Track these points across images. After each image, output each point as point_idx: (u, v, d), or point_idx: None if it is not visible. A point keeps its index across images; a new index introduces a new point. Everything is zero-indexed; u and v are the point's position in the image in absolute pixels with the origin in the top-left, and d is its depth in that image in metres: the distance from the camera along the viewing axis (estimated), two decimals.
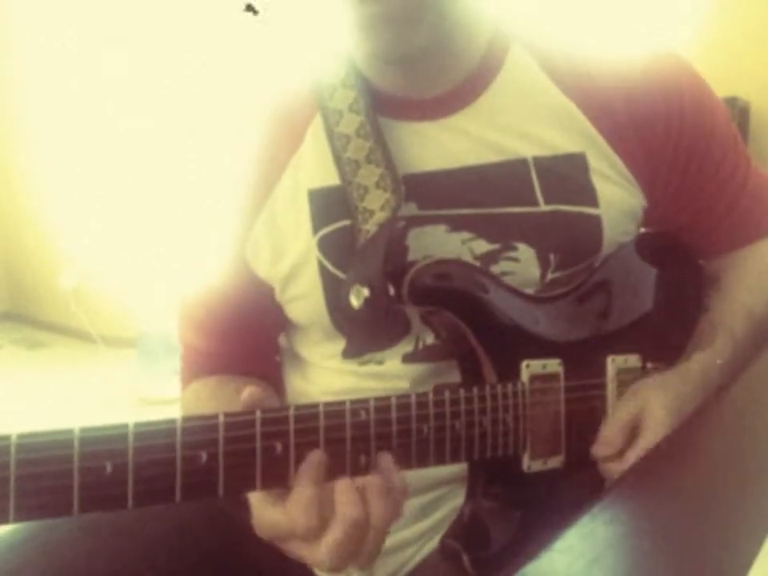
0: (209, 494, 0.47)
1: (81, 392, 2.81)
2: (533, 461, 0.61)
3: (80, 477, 0.43)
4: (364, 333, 0.68)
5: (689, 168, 0.70)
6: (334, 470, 0.50)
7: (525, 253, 0.66)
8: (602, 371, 0.65)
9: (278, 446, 0.48)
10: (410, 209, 0.65)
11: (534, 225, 0.66)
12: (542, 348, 0.63)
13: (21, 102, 3.60)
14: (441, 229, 0.66)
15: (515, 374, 0.61)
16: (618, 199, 0.68)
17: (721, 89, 0.79)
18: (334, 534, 0.47)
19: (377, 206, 0.63)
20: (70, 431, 0.43)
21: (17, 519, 0.42)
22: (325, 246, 0.67)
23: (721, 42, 2.23)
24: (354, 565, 0.51)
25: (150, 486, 0.45)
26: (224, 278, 0.71)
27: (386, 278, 0.59)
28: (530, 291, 0.65)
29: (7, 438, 0.42)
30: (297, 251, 0.68)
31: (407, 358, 0.68)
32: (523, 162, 0.66)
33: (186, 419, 0.46)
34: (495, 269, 0.65)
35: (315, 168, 0.68)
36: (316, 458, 0.49)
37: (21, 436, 0.42)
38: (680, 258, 0.75)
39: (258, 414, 0.48)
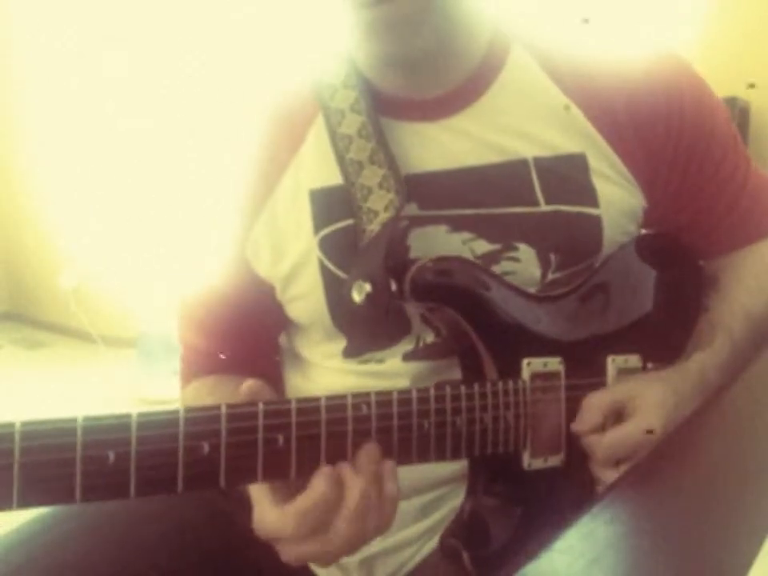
0: (210, 485, 0.47)
1: (81, 392, 2.81)
2: (533, 459, 0.61)
3: (83, 465, 0.43)
4: (365, 330, 0.69)
5: (689, 168, 0.70)
6: (334, 464, 0.51)
7: (525, 253, 0.66)
8: (602, 371, 0.65)
9: (280, 438, 0.49)
10: (411, 209, 0.65)
11: (534, 225, 0.66)
12: (543, 346, 0.63)
13: (21, 102, 3.60)
14: (442, 229, 0.66)
15: (516, 371, 0.61)
16: (618, 199, 0.68)
17: (721, 89, 0.79)
18: (348, 503, 0.49)
19: (380, 207, 0.63)
20: (74, 420, 0.44)
21: (20, 506, 0.42)
22: (326, 245, 0.67)
23: (721, 42, 2.24)
24: (372, 535, 0.52)
25: (152, 476, 0.45)
26: (224, 277, 0.71)
27: (388, 274, 0.59)
28: (531, 290, 0.65)
29: (11, 425, 0.42)
30: (298, 251, 0.68)
31: (408, 357, 0.68)
32: (524, 163, 0.66)
33: (188, 410, 0.47)
34: (496, 269, 0.65)
35: (317, 168, 0.68)
36: (327, 481, 0.50)
37: (25, 423, 0.42)
38: (680, 259, 0.75)
39: (261, 405, 0.48)
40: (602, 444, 0.59)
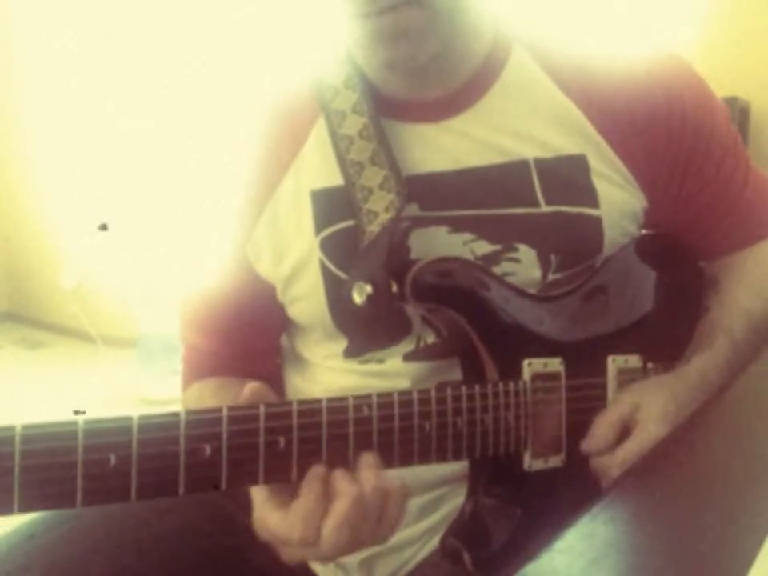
0: (212, 487, 0.47)
1: (81, 392, 2.81)
2: (534, 459, 0.61)
3: (84, 468, 0.43)
4: (365, 331, 0.69)
5: (689, 169, 0.70)
6: (336, 465, 0.51)
7: (526, 254, 0.66)
8: (602, 371, 0.65)
9: (281, 441, 0.49)
10: (412, 210, 0.65)
11: (534, 226, 0.66)
12: (543, 347, 0.63)
13: (21, 102, 3.60)
14: (442, 230, 0.66)
15: (517, 372, 0.61)
16: (618, 200, 0.68)
17: (721, 89, 0.79)
18: (335, 513, 0.48)
19: (381, 208, 0.63)
20: (75, 423, 0.44)
21: (21, 510, 0.42)
22: (327, 246, 0.67)
23: (721, 41, 2.24)
24: (363, 545, 0.52)
25: (153, 479, 0.45)
26: (226, 278, 0.71)
27: (388, 275, 0.59)
28: (531, 291, 0.65)
29: (12, 428, 0.42)
30: (299, 251, 0.68)
31: (408, 357, 0.68)
32: (524, 164, 0.66)
33: (189, 412, 0.47)
34: (496, 270, 0.65)
35: (318, 169, 0.68)
36: (320, 471, 0.49)
37: (25, 427, 0.42)
38: (680, 260, 0.75)
39: (262, 408, 0.48)
40: (614, 463, 0.58)
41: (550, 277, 0.67)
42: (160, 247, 2.84)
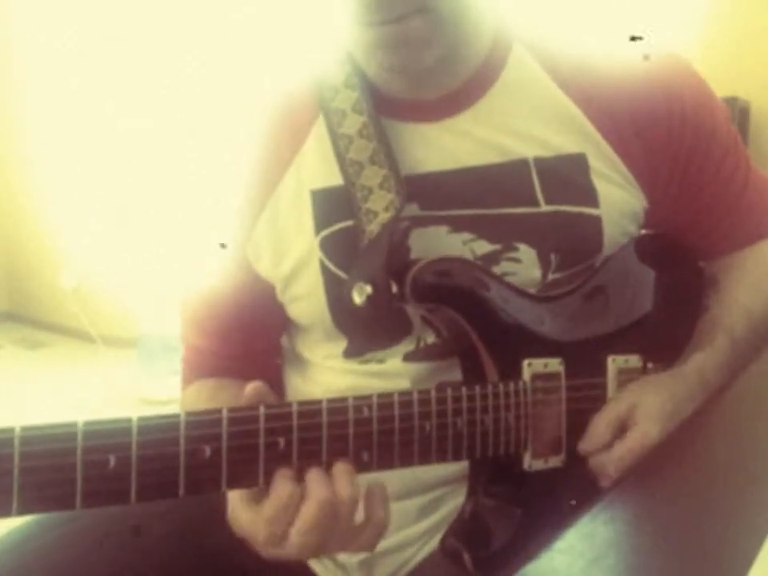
0: (212, 489, 0.47)
1: (81, 392, 2.81)
2: (534, 459, 0.61)
3: (83, 470, 0.43)
4: (365, 331, 0.69)
5: (689, 169, 0.70)
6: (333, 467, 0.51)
7: (526, 253, 0.66)
8: (602, 371, 0.65)
9: (281, 442, 0.49)
10: (412, 210, 0.65)
11: (534, 225, 0.66)
12: (543, 347, 0.63)
13: (21, 102, 3.60)
14: (442, 230, 0.66)
15: (516, 372, 0.61)
16: (618, 200, 0.68)
17: (721, 89, 0.79)
18: (304, 513, 0.49)
19: (381, 207, 0.63)
20: (74, 424, 0.43)
21: (20, 512, 0.42)
22: (327, 246, 0.67)
23: (721, 41, 2.24)
24: (329, 549, 0.52)
25: (153, 480, 0.45)
26: (226, 277, 0.71)
27: (388, 276, 0.59)
28: (531, 290, 0.65)
29: (11, 430, 0.42)
30: (299, 251, 0.68)
31: (408, 357, 0.68)
32: (524, 163, 0.66)
33: (189, 414, 0.47)
34: (496, 269, 0.65)
35: (318, 168, 0.68)
36: (287, 473, 0.49)
37: (24, 429, 0.42)
38: (680, 259, 0.75)
39: (262, 409, 0.48)
40: (611, 462, 0.58)
41: (550, 276, 0.67)
42: (160, 247, 2.84)
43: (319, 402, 0.51)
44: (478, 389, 0.58)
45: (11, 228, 3.88)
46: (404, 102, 0.68)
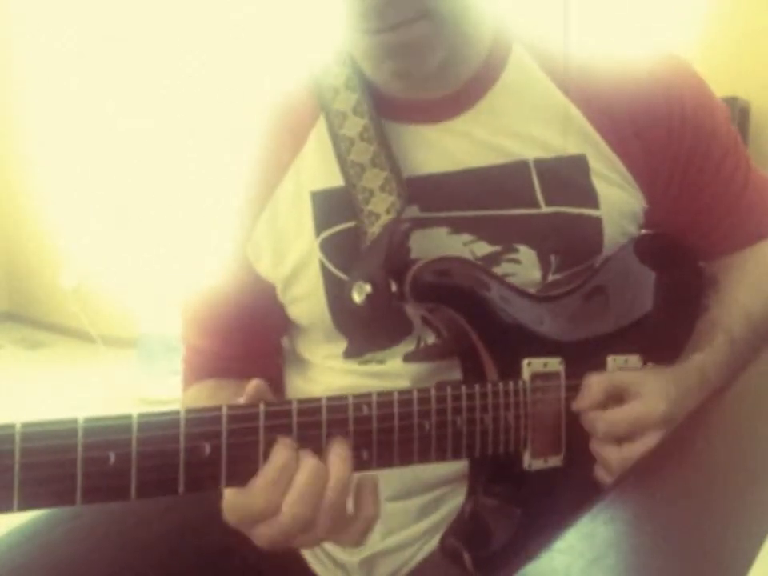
0: (212, 486, 0.48)
1: (81, 392, 2.81)
2: (534, 459, 0.61)
3: (83, 466, 0.43)
4: (365, 331, 0.69)
5: (689, 169, 0.70)
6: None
7: (526, 255, 0.66)
8: (602, 371, 0.65)
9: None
10: (413, 211, 0.65)
11: (534, 227, 0.66)
12: (543, 346, 0.63)
13: (21, 102, 3.60)
14: (442, 231, 0.66)
15: (516, 371, 0.61)
16: (618, 201, 0.68)
17: (721, 89, 0.79)
18: (297, 482, 0.48)
19: (382, 209, 0.63)
20: (75, 421, 0.44)
21: (21, 508, 0.42)
22: (327, 247, 0.67)
23: (721, 41, 2.24)
24: (318, 534, 0.51)
25: (153, 477, 0.45)
26: (226, 278, 0.71)
27: (388, 275, 0.59)
28: (531, 290, 0.65)
29: (12, 426, 0.42)
30: (299, 252, 0.68)
31: (408, 357, 0.68)
32: (524, 164, 0.66)
33: (189, 411, 0.47)
34: (497, 270, 0.65)
35: (318, 170, 0.68)
36: (287, 442, 0.49)
37: (25, 425, 0.42)
38: (680, 260, 0.75)
39: (262, 406, 0.49)
40: (604, 418, 0.59)
41: (550, 277, 0.67)
42: (160, 247, 2.84)
43: (319, 399, 0.51)
44: (477, 387, 0.58)
45: (11, 228, 3.88)
46: (404, 104, 0.68)
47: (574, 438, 0.62)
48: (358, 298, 0.60)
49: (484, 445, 0.58)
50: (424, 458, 0.55)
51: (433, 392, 0.55)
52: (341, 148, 0.66)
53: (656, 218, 0.72)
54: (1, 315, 4.03)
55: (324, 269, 0.67)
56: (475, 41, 0.67)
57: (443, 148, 0.67)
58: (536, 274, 0.66)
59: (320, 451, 0.50)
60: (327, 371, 0.73)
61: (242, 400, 0.50)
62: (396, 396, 0.53)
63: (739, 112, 2.16)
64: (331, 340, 0.71)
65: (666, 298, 0.70)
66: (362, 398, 0.52)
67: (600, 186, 0.67)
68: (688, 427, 0.55)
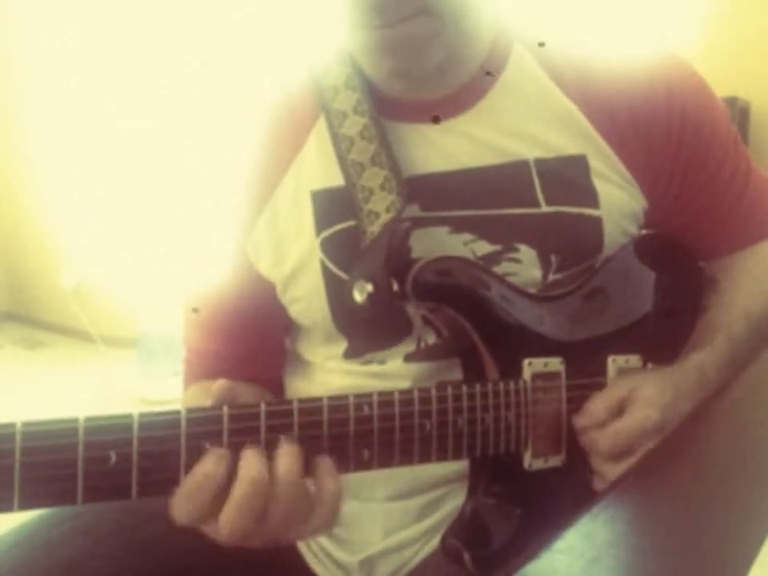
0: None
1: (81, 392, 2.81)
2: (534, 459, 0.61)
3: (84, 466, 0.43)
4: (366, 331, 0.69)
5: (689, 169, 0.70)
6: (336, 464, 0.51)
7: (526, 254, 0.66)
8: (602, 371, 0.66)
9: (282, 439, 0.49)
10: (413, 211, 0.65)
11: (535, 226, 0.66)
12: (543, 346, 0.63)
13: (21, 102, 3.60)
14: (443, 230, 0.66)
15: (517, 371, 0.61)
16: (618, 200, 0.68)
17: (721, 89, 0.79)
18: (233, 493, 0.47)
19: (382, 208, 0.63)
20: (75, 420, 0.44)
21: (21, 507, 0.42)
22: (328, 246, 0.67)
23: (721, 41, 2.24)
24: (260, 538, 0.50)
25: (153, 477, 0.45)
26: (227, 278, 0.71)
27: (389, 274, 0.59)
28: (532, 290, 0.65)
29: (12, 425, 0.42)
30: (299, 252, 0.68)
31: (409, 358, 0.68)
32: (524, 164, 0.66)
33: (190, 410, 0.47)
34: (497, 270, 0.65)
35: (318, 169, 0.68)
36: (221, 452, 0.48)
37: (26, 424, 0.42)
38: (680, 260, 0.75)
39: (263, 406, 0.49)
40: (604, 438, 0.59)
41: (551, 277, 0.67)
42: (160, 247, 2.84)
43: (320, 399, 0.51)
44: (478, 387, 0.58)
45: (11, 228, 3.88)
46: (405, 103, 0.68)
47: (575, 438, 0.62)
48: (359, 297, 0.60)
49: (485, 445, 0.58)
50: (425, 457, 0.55)
51: (433, 392, 0.55)
52: (341, 147, 0.66)
53: (656, 218, 0.72)
54: (1, 315, 4.03)
55: (324, 268, 0.67)
56: (475, 40, 0.67)
57: (443, 147, 0.67)
58: (536, 273, 0.66)
59: (320, 451, 0.50)
60: (328, 372, 0.72)
61: (209, 402, 0.49)
62: (397, 396, 0.53)
63: (739, 112, 2.16)
64: (332, 340, 0.71)
65: (666, 298, 0.70)
66: (363, 398, 0.52)
67: (600, 186, 0.67)
68: (688, 427, 0.55)
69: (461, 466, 0.65)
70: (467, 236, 0.66)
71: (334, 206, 0.67)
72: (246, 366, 0.74)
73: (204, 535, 0.70)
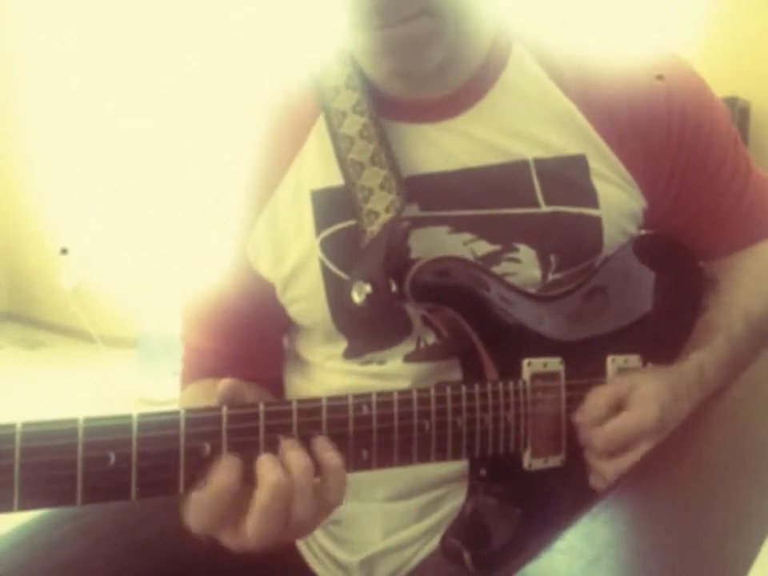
0: None
1: (81, 392, 2.81)
2: (534, 459, 0.61)
3: (84, 466, 0.43)
4: (365, 331, 0.69)
5: (689, 169, 0.70)
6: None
7: (526, 254, 0.66)
8: (602, 371, 0.66)
9: (281, 439, 0.49)
10: (412, 210, 0.65)
11: (534, 226, 0.66)
12: (543, 346, 0.63)
13: (21, 102, 3.60)
14: (442, 230, 0.66)
15: (516, 372, 0.61)
16: (618, 200, 0.68)
17: (721, 89, 0.79)
18: (258, 501, 0.47)
19: (382, 208, 0.63)
20: (75, 421, 0.44)
21: (21, 508, 0.42)
22: (327, 246, 0.67)
23: (721, 41, 2.24)
24: (286, 536, 0.50)
25: (153, 477, 0.45)
26: (227, 277, 0.71)
27: (388, 275, 0.59)
28: (531, 290, 0.65)
29: (12, 426, 0.42)
30: (299, 252, 0.68)
31: (408, 358, 0.68)
32: (524, 164, 0.66)
33: (189, 411, 0.47)
34: (496, 270, 0.65)
35: (318, 169, 0.68)
36: (234, 461, 0.48)
37: (26, 425, 0.42)
38: (680, 260, 0.75)
39: (262, 406, 0.49)
40: (600, 435, 0.59)
41: (550, 277, 0.67)
42: (160, 247, 2.84)
43: (319, 399, 0.51)
44: (477, 387, 0.58)
45: (11, 228, 3.88)
46: (404, 103, 0.68)
47: (574, 438, 0.62)
48: (357, 298, 0.60)
49: (484, 445, 0.58)
50: (424, 457, 0.55)
51: (433, 392, 0.55)
52: (340, 147, 0.66)
53: (656, 218, 0.72)
54: (1, 315, 4.03)
55: (324, 268, 0.67)
56: (475, 40, 0.67)
57: (443, 147, 0.67)
58: (536, 273, 0.66)
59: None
60: (327, 372, 0.72)
61: (213, 401, 0.50)
62: (396, 396, 0.53)
63: (739, 112, 2.16)
64: (331, 340, 0.71)
65: (665, 298, 0.70)
66: (362, 398, 0.52)
67: (600, 186, 0.67)
68: (688, 427, 0.55)
69: (460, 465, 0.65)
70: (467, 236, 0.66)
71: (333, 206, 0.67)
72: (245, 366, 0.74)
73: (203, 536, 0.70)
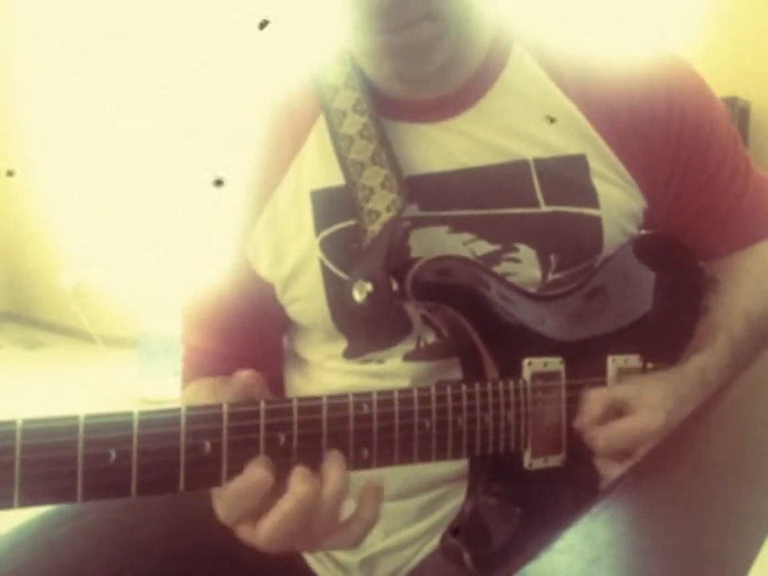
0: (211, 484, 0.48)
1: (81, 392, 2.81)
2: (534, 458, 0.61)
3: (84, 463, 0.43)
4: (366, 331, 0.69)
5: (689, 169, 0.70)
6: None
7: (525, 254, 0.66)
8: (602, 371, 0.66)
9: (282, 438, 0.49)
10: (412, 210, 0.65)
11: (534, 226, 0.66)
12: (543, 346, 0.63)
13: (21, 102, 3.60)
14: (442, 230, 0.66)
15: (517, 371, 0.61)
16: (618, 200, 0.68)
17: (721, 89, 0.79)
18: (280, 507, 0.48)
19: (383, 207, 0.63)
20: (75, 418, 0.44)
21: (21, 504, 0.42)
22: (327, 246, 0.67)
23: (721, 41, 2.24)
24: (295, 546, 0.51)
25: (153, 474, 0.45)
26: (226, 278, 0.71)
27: (388, 273, 0.59)
28: (531, 290, 0.65)
29: (13, 423, 0.42)
30: (299, 251, 0.68)
31: (408, 357, 0.68)
32: (524, 164, 0.66)
33: (190, 408, 0.47)
34: (497, 270, 0.65)
35: (318, 168, 0.68)
36: (263, 459, 0.48)
37: (26, 422, 0.42)
38: (680, 260, 0.75)
39: (262, 404, 0.49)
40: (603, 434, 0.59)
41: (550, 277, 0.67)
42: (160, 247, 2.84)
43: (320, 398, 0.51)
44: (477, 387, 0.58)
45: (11, 228, 3.88)
46: (404, 103, 0.68)
47: (575, 438, 0.62)
48: (358, 296, 0.60)
49: (484, 444, 0.58)
50: (424, 457, 0.55)
51: (433, 391, 0.55)
52: (341, 146, 0.66)
53: (656, 218, 0.72)
54: (1, 315, 4.03)
55: (324, 268, 0.67)
56: (476, 41, 0.67)
57: (443, 147, 0.67)
58: (536, 273, 0.66)
59: (320, 451, 0.50)
60: (327, 371, 0.73)
61: (228, 394, 0.50)
62: (396, 395, 0.53)
63: (739, 112, 2.16)
64: (331, 340, 0.71)
65: (665, 298, 0.70)
66: (363, 397, 0.52)
67: (600, 186, 0.67)
68: (688, 427, 0.55)
69: (460, 465, 0.65)
70: (466, 236, 0.66)
71: (333, 206, 0.67)
72: (245, 366, 0.73)
73: (203, 536, 0.70)
